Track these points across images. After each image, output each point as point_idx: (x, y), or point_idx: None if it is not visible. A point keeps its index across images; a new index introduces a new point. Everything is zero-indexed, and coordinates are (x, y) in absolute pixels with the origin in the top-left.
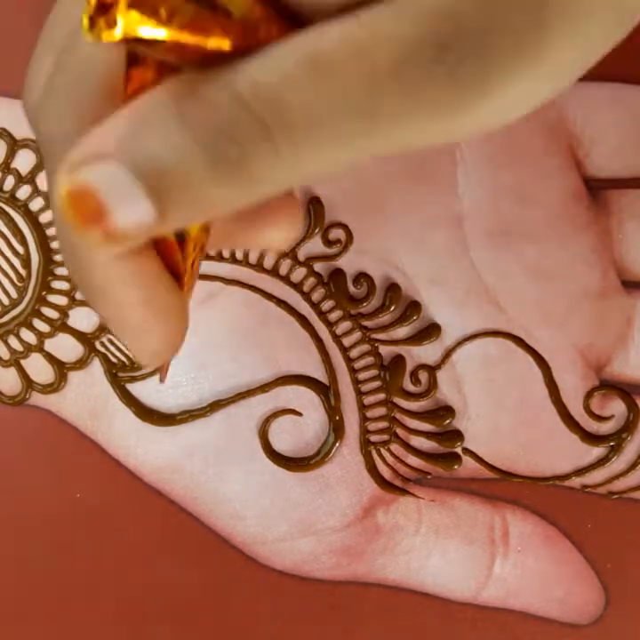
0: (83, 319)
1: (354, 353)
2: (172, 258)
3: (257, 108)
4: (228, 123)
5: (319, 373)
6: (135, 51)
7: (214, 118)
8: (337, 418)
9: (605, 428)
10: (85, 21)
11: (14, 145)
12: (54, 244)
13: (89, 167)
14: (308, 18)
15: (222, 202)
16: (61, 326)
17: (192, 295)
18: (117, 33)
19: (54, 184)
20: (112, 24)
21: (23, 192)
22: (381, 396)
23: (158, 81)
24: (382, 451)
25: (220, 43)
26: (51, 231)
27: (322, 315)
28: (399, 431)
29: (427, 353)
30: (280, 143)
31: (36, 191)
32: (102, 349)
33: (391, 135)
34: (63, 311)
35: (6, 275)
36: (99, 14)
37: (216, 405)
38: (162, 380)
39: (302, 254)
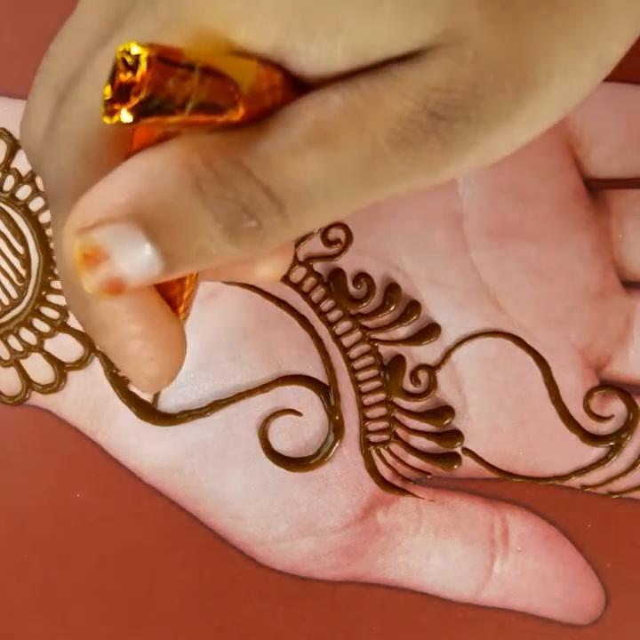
0: None
1: (354, 353)
2: (169, 290)
3: (270, 186)
4: (246, 201)
5: (319, 373)
6: None
7: (232, 195)
8: (337, 418)
9: (605, 428)
10: (103, 108)
11: (14, 145)
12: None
13: (100, 230)
14: (310, 83)
15: (230, 259)
16: (61, 326)
17: (187, 321)
18: (135, 119)
19: (59, 231)
20: (130, 112)
21: (23, 192)
22: (381, 395)
23: (165, 137)
24: (382, 451)
25: (231, 116)
26: (50, 231)
27: (322, 315)
28: (399, 431)
29: (426, 353)
30: (289, 214)
31: (36, 191)
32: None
33: (386, 194)
34: (63, 311)
35: (6, 275)
36: (116, 101)
37: (216, 405)
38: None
39: (302, 254)
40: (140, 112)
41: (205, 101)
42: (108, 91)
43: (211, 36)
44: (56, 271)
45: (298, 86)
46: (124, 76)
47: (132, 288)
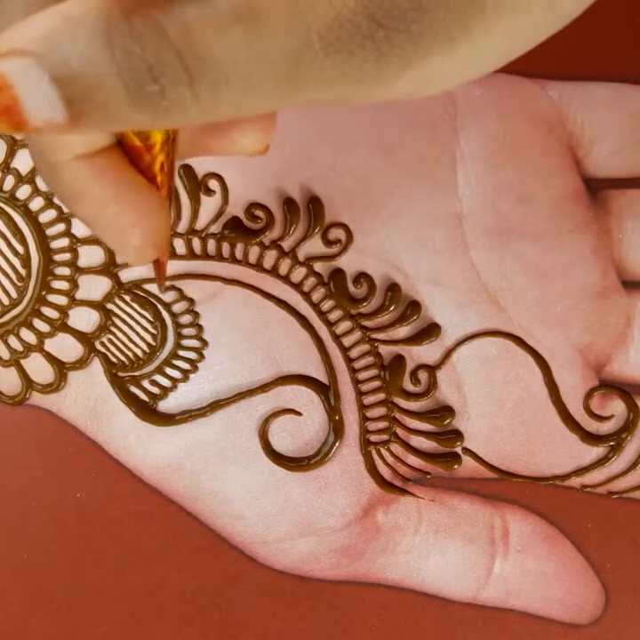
0: (83, 319)
1: (354, 353)
2: (140, 162)
3: (184, 53)
4: (152, 61)
5: (319, 373)
6: None
7: (139, 52)
8: (337, 418)
9: (605, 427)
10: None
11: (14, 145)
12: (54, 244)
13: (8, 59)
14: None
15: (135, 123)
16: (61, 326)
17: (171, 199)
18: None
19: None
20: None
21: (23, 192)
22: (381, 395)
23: None
24: (382, 451)
25: None
26: (51, 231)
27: (322, 315)
28: (399, 431)
29: (427, 353)
30: (200, 90)
31: (36, 191)
32: (102, 349)
33: (309, 97)
34: (63, 311)
35: (6, 275)
36: None
37: (216, 405)
38: (160, 286)
39: (302, 254)
40: None
41: None
42: None
43: None
44: (56, 271)
45: None
46: None
47: (34, 127)
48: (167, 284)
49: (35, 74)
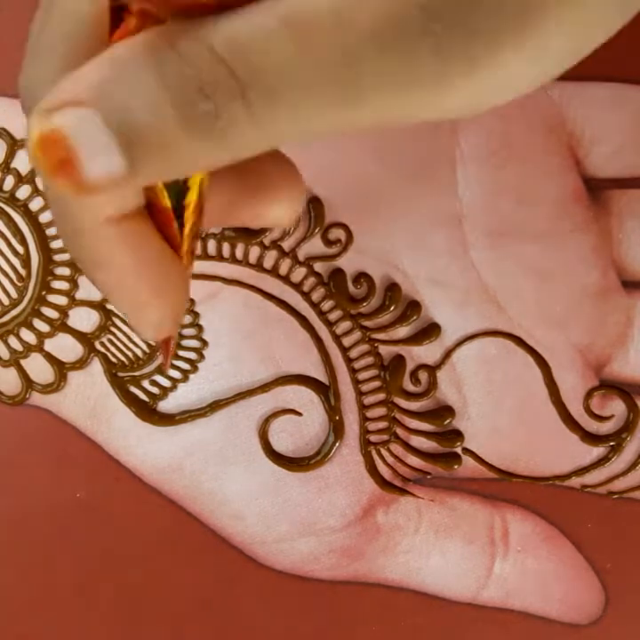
0: (83, 319)
1: (354, 353)
2: (168, 228)
3: (232, 64)
4: (202, 78)
5: (319, 373)
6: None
7: (189, 73)
8: (337, 418)
9: (605, 427)
10: None
11: (14, 145)
12: (54, 244)
13: (61, 113)
14: None
15: (195, 158)
16: (61, 326)
17: (192, 270)
18: None
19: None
20: None
21: (23, 192)
22: (381, 395)
23: (141, 30)
24: (382, 451)
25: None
26: (51, 231)
27: (322, 315)
28: (399, 431)
29: (427, 353)
30: (254, 102)
31: (36, 191)
32: (102, 349)
33: (370, 107)
34: (63, 311)
35: (6, 275)
36: None
37: (216, 405)
38: (164, 368)
39: (302, 254)
40: None
41: None
42: None
43: None
44: (56, 271)
45: None
46: None
47: (92, 183)
48: None
49: (88, 122)
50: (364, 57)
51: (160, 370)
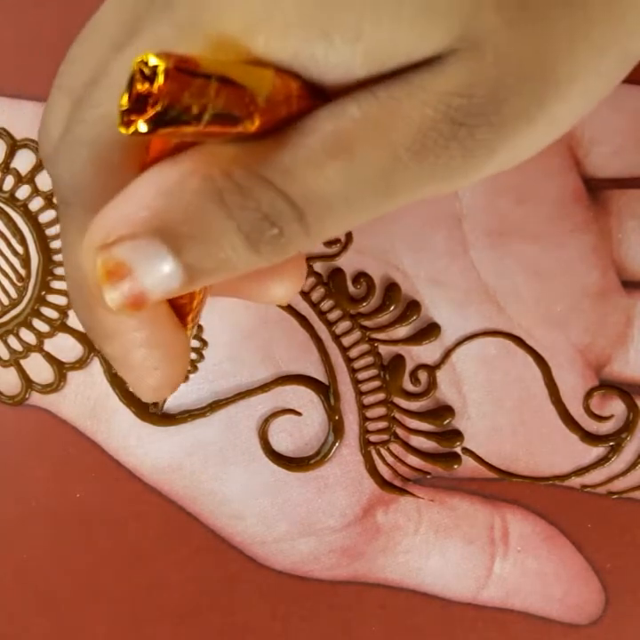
0: None
1: (353, 353)
2: (179, 299)
3: (291, 196)
4: (268, 210)
5: (319, 373)
6: None
7: (255, 206)
8: (337, 418)
9: (605, 427)
10: (119, 117)
11: (14, 145)
12: (54, 244)
13: (122, 244)
14: (327, 90)
15: (249, 267)
16: (61, 326)
17: (193, 333)
18: (151, 130)
19: (68, 235)
20: (147, 123)
21: (23, 192)
22: (381, 395)
23: (181, 143)
24: (382, 451)
25: (246, 127)
26: (50, 231)
27: (321, 314)
28: (399, 431)
29: (426, 353)
30: (310, 223)
31: (36, 191)
32: None
33: (405, 201)
34: (63, 311)
35: (6, 275)
36: (132, 111)
37: (216, 405)
38: (159, 409)
39: None
40: (156, 123)
41: (221, 112)
42: (124, 101)
43: (228, 43)
44: (56, 271)
45: (315, 94)
46: (141, 87)
47: (153, 301)
48: None
49: (153, 252)
50: (401, 169)
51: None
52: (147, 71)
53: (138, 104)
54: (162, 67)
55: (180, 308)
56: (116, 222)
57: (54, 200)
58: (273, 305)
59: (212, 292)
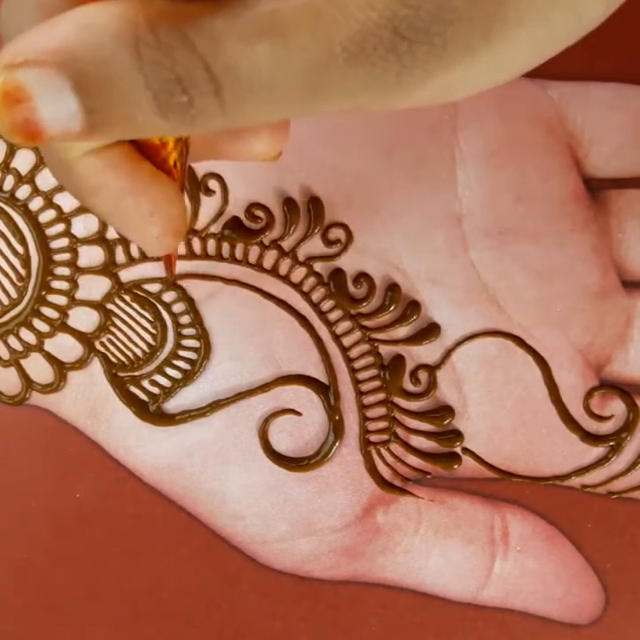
0: (83, 319)
1: (354, 353)
2: (153, 156)
3: (211, 65)
4: (182, 73)
5: (319, 373)
6: None
7: (170, 65)
8: (337, 418)
9: (605, 427)
10: None
11: (14, 145)
12: (54, 244)
13: (27, 69)
14: None
15: (155, 131)
16: (61, 326)
17: (184, 194)
18: None
19: None
20: None
21: (23, 192)
22: (381, 395)
23: None
24: (382, 450)
25: None
26: (50, 231)
27: (322, 314)
28: (399, 431)
29: (426, 353)
30: (226, 100)
31: (36, 191)
32: (102, 349)
33: (331, 107)
34: (63, 311)
35: (6, 275)
36: None
37: (216, 405)
38: (171, 276)
39: (302, 254)
40: None
41: None
42: None
43: None
44: (56, 271)
45: None
46: None
47: (49, 137)
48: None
49: (55, 84)
50: (333, 68)
51: (159, 370)
52: None
53: None
54: None
55: (160, 165)
56: (26, 46)
57: (59, 203)
58: (260, 162)
59: (192, 157)
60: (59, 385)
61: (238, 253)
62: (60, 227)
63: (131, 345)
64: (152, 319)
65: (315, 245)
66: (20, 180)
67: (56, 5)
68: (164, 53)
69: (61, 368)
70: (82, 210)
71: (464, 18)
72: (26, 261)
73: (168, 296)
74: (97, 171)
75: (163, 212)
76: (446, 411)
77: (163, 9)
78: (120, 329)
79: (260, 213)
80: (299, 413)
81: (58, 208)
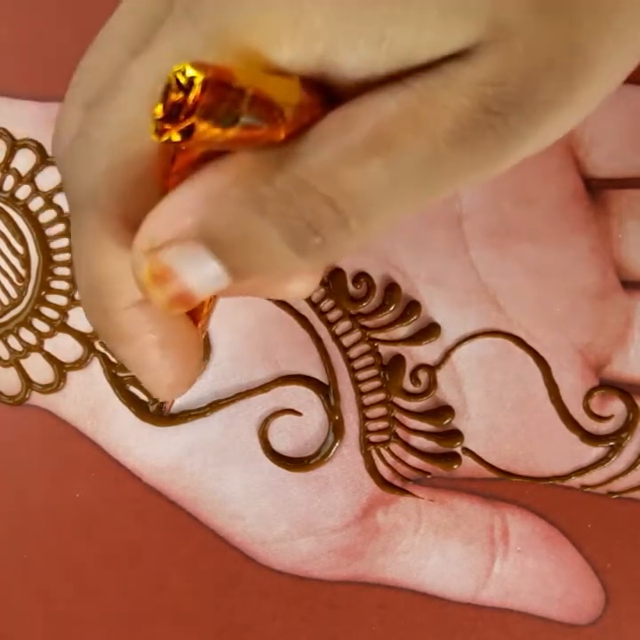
0: (82, 319)
1: (353, 353)
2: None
3: (335, 200)
4: (310, 218)
5: (319, 373)
6: None
7: (297, 214)
8: (336, 418)
9: (605, 427)
10: (152, 126)
11: (14, 145)
12: (54, 244)
13: (167, 250)
14: (345, 91)
15: (295, 270)
16: (61, 326)
17: (205, 331)
18: (183, 140)
19: (82, 237)
20: (180, 133)
21: (23, 192)
22: (381, 395)
23: (206, 153)
24: (382, 450)
25: (275, 136)
26: (50, 231)
27: (321, 314)
28: (399, 431)
29: (426, 353)
30: (353, 226)
31: (36, 191)
32: (102, 349)
33: (445, 192)
34: (63, 311)
35: (6, 275)
36: (165, 120)
37: (216, 405)
38: (167, 411)
39: None
40: (189, 133)
41: (252, 124)
42: (159, 110)
43: (253, 53)
44: (56, 271)
45: (327, 95)
46: (176, 96)
47: (201, 298)
48: None
49: (197, 256)
50: (442, 159)
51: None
52: (183, 81)
53: (172, 113)
54: (199, 78)
55: (193, 312)
56: (161, 228)
57: (59, 203)
58: (289, 300)
59: (233, 293)
60: (59, 385)
61: None
62: (60, 227)
63: None
64: None
65: None
66: (19, 179)
67: (136, 163)
68: (288, 203)
69: (61, 368)
70: None
71: (548, 79)
72: (26, 261)
73: None
74: (138, 323)
75: (181, 367)
76: (446, 411)
77: (269, 160)
78: None
79: None
80: (299, 413)
81: (58, 208)
